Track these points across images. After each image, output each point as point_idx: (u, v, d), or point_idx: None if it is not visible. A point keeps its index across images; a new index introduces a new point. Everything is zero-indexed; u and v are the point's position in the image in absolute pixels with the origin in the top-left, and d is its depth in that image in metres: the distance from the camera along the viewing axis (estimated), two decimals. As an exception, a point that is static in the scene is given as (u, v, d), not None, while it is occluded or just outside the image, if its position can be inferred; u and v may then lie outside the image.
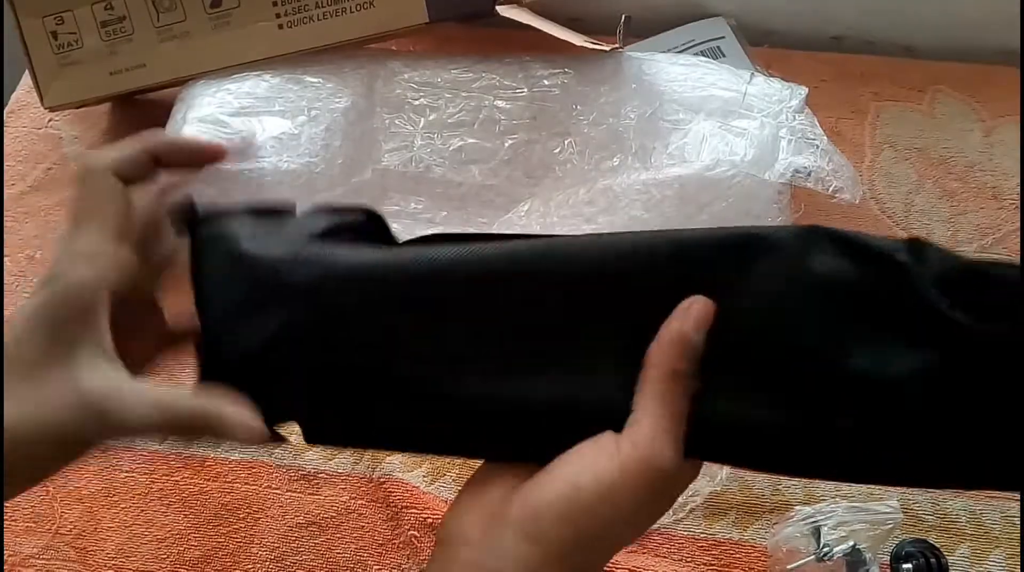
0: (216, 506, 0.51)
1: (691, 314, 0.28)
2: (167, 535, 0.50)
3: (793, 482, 0.51)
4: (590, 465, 0.28)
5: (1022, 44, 0.65)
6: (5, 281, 0.59)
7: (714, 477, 0.51)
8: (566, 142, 0.58)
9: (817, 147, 0.54)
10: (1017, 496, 0.49)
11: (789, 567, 0.47)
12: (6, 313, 0.58)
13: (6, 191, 0.64)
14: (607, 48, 0.60)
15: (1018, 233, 0.59)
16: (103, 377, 0.30)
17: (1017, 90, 0.64)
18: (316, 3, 0.57)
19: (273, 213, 0.34)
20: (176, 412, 0.30)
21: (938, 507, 0.50)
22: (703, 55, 0.65)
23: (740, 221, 0.54)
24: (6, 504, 0.51)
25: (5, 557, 0.49)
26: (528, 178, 0.57)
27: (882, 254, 0.27)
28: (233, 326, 0.31)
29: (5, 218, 0.62)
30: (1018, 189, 0.61)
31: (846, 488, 0.50)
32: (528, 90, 0.58)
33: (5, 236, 0.61)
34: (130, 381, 0.31)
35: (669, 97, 0.58)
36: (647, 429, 0.28)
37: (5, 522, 0.50)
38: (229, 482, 0.51)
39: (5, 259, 0.60)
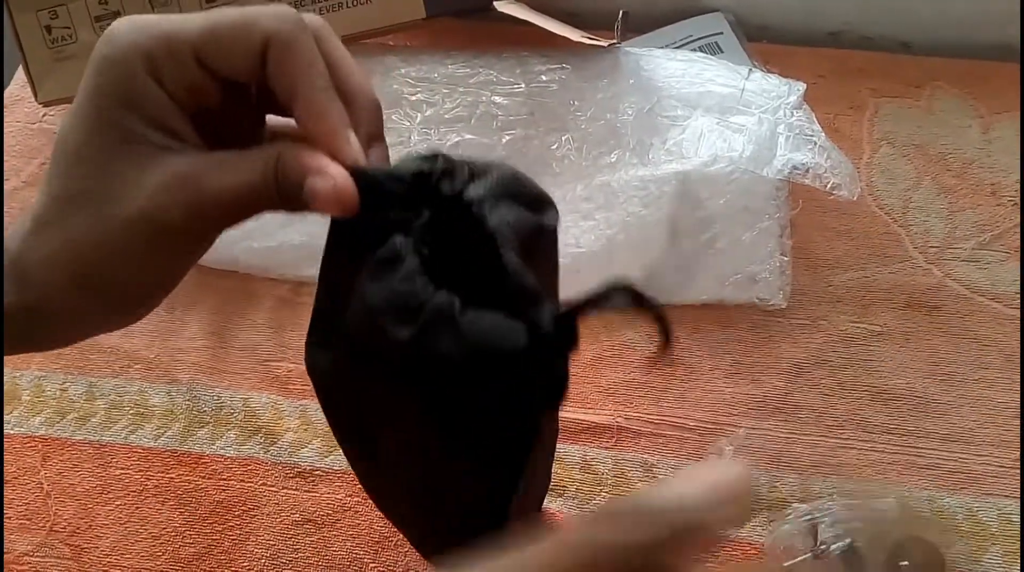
0: (211, 503, 0.50)
1: None
2: (162, 532, 0.50)
3: (790, 479, 0.50)
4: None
5: (1022, 40, 0.65)
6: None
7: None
8: (563, 138, 0.57)
9: (815, 143, 0.54)
10: (1015, 494, 0.49)
11: (786, 564, 0.47)
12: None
13: (0, 186, 0.63)
14: (605, 44, 0.60)
15: (1017, 230, 0.59)
16: (183, 160, 0.29)
17: (1015, 86, 0.64)
18: (312, -2, 0.57)
19: None
20: (268, 162, 0.29)
21: (935, 504, 0.50)
22: (701, 51, 0.65)
23: (738, 217, 0.54)
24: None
25: (-1, 554, 0.49)
26: (525, 174, 0.57)
27: None
28: None
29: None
30: (1017, 185, 0.61)
31: (844, 486, 0.50)
32: (525, 86, 0.58)
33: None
34: (208, 153, 0.29)
35: (667, 93, 0.58)
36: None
37: (-1, 519, 0.50)
38: (224, 479, 0.51)
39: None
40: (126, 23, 0.29)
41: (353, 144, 0.29)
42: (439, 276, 0.26)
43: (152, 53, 0.28)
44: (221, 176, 0.29)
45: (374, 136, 0.31)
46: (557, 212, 0.30)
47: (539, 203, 0.29)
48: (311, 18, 0.31)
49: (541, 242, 0.29)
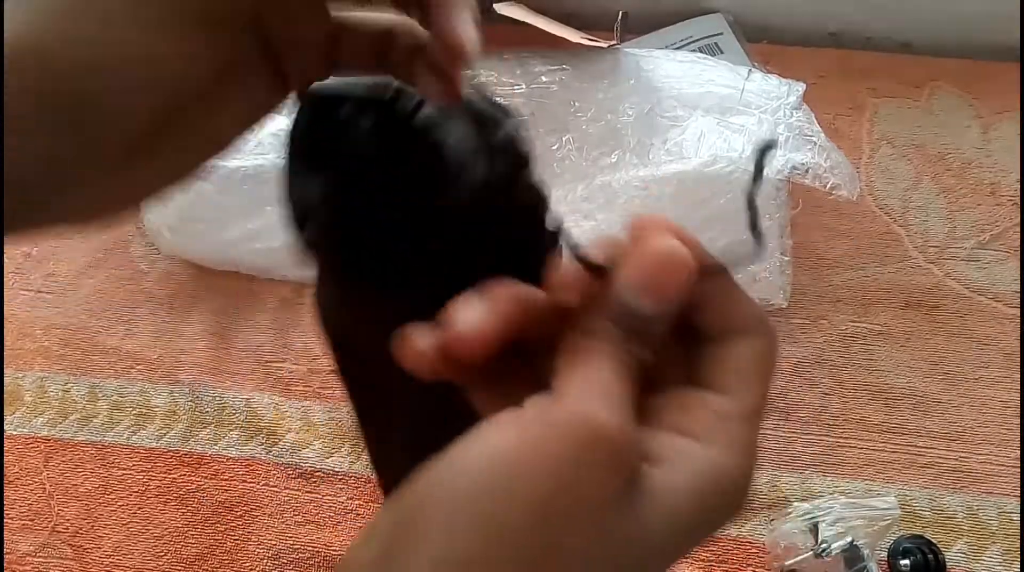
0: (213, 504, 0.50)
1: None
2: (164, 533, 0.50)
3: (790, 478, 0.51)
4: (486, 438, 0.20)
5: (1022, 40, 0.65)
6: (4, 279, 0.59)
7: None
8: (564, 139, 0.57)
9: (815, 143, 0.54)
10: (1015, 493, 0.50)
11: (787, 563, 0.47)
12: (6, 313, 0.58)
13: None
14: (605, 45, 0.60)
15: (1016, 229, 0.59)
16: None
17: (1015, 86, 0.64)
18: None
19: None
20: None
21: (935, 503, 0.50)
22: (701, 51, 0.65)
23: (738, 217, 0.54)
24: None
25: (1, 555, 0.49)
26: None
27: None
28: None
29: None
30: (1016, 185, 0.61)
31: (844, 484, 0.50)
32: (526, 86, 0.58)
33: None
34: None
35: (667, 93, 0.58)
36: (566, 386, 0.20)
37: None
38: (226, 480, 0.51)
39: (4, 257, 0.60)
40: None
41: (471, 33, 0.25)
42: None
43: None
44: None
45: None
46: (515, 121, 0.30)
47: (494, 120, 0.29)
48: None
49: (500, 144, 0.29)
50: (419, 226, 0.27)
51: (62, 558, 0.49)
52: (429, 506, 0.19)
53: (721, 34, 0.67)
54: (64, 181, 0.22)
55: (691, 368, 0.23)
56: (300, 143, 0.28)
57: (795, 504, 0.48)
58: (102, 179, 0.23)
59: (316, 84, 0.27)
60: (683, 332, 0.23)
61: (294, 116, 0.28)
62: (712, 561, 0.49)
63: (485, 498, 0.18)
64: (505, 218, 0.28)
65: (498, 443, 0.19)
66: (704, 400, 0.22)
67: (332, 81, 0.27)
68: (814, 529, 0.47)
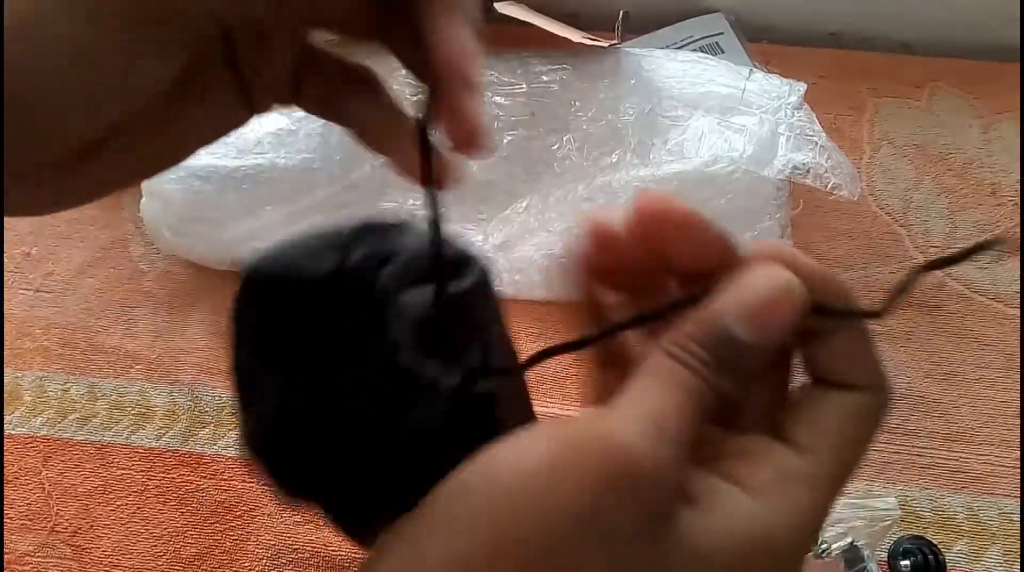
0: (212, 503, 0.50)
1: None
2: (163, 532, 0.50)
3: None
4: (517, 447, 0.19)
5: (1022, 41, 0.65)
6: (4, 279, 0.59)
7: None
8: (564, 138, 0.57)
9: (815, 143, 0.54)
10: (1015, 493, 0.50)
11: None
12: (6, 312, 0.58)
13: None
14: (605, 44, 0.60)
15: (1017, 229, 0.59)
16: None
17: (1015, 86, 0.64)
18: None
19: None
20: None
21: (936, 504, 0.50)
22: (702, 51, 0.65)
23: (739, 217, 0.54)
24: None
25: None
26: (527, 174, 0.57)
27: None
28: None
29: None
30: (1017, 185, 0.61)
31: (844, 485, 0.50)
32: (527, 86, 0.58)
33: None
34: None
35: (668, 93, 0.58)
36: (620, 407, 0.19)
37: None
38: (226, 479, 0.51)
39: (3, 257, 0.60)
40: None
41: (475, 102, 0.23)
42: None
43: None
44: None
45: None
46: (483, 267, 0.27)
47: (457, 269, 0.27)
48: None
49: (467, 304, 0.27)
50: (377, 454, 0.24)
51: (61, 558, 0.49)
52: (453, 503, 0.19)
53: (722, 34, 0.67)
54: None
55: (776, 412, 0.21)
56: (249, 337, 0.26)
57: (795, 505, 0.48)
58: (44, 179, 0.21)
59: (259, 259, 0.24)
60: (782, 369, 0.22)
61: (237, 298, 0.26)
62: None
63: (504, 507, 0.18)
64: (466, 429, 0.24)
65: (529, 454, 0.18)
66: (771, 452, 0.20)
67: (279, 247, 0.25)
68: (814, 530, 0.46)
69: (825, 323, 0.21)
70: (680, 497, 0.19)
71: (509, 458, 0.19)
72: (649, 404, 0.19)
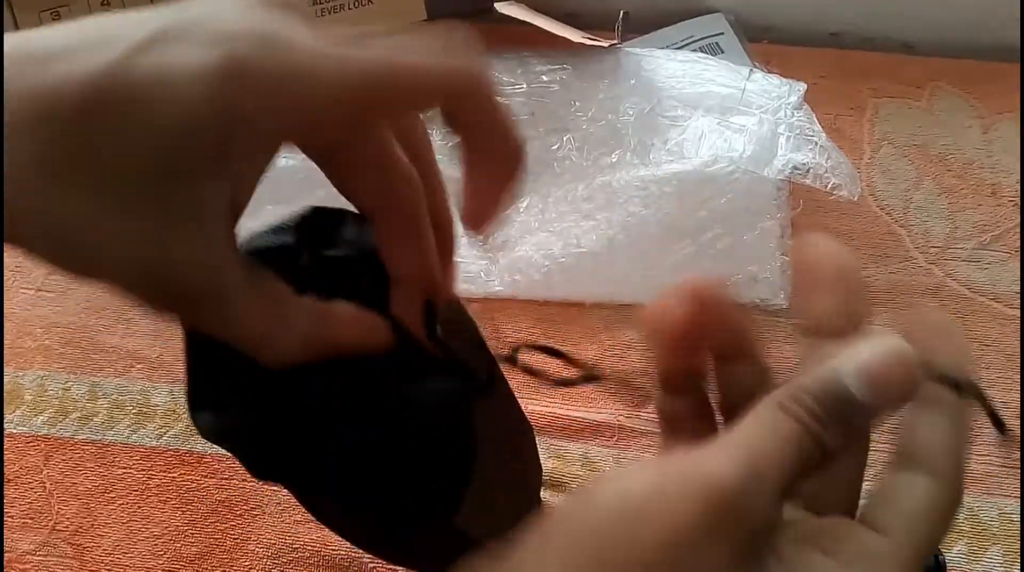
0: (213, 502, 0.51)
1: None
2: (164, 531, 0.50)
3: (791, 479, 0.51)
4: (623, 476, 0.21)
5: (1022, 41, 0.65)
6: (4, 279, 0.59)
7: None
8: (564, 138, 0.58)
9: (816, 143, 0.55)
10: (1016, 494, 0.49)
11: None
12: (7, 311, 0.58)
13: None
14: (605, 44, 0.60)
15: (1017, 230, 0.59)
16: None
17: (1016, 87, 0.64)
18: (314, 0, 0.57)
19: None
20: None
21: (936, 504, 0.50)
22: (702, 51, 0.65)
23: (739, 217, 0.55)
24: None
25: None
26: (526, 174, 0.57)
27: None
28: None
29: None
30: (1017, 186, 0.61)
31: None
32: (526, 86, 0.58)
33: None
34: None
35: (668, 93, 0.58)
36: (725, 448, 0.20)
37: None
38: (226, 478, 0.51)
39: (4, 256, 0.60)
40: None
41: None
42: None
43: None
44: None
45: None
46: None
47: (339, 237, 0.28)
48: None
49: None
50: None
51: (62, 556, 0.49)
52: (557, 530, 0.20)
53: (722, 34, 0.67)
54: None
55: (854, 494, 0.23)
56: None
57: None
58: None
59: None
60: (861, 453, 0.23)
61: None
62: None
63: (604, 536, 0.19)
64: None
65: (631, 485, 0.19)
66: (855, 530, 0.21)
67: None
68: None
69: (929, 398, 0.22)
70: (770, 548, 0.20)
71: (617, 489, 0.20)
72: (754, 446, 0.20)
